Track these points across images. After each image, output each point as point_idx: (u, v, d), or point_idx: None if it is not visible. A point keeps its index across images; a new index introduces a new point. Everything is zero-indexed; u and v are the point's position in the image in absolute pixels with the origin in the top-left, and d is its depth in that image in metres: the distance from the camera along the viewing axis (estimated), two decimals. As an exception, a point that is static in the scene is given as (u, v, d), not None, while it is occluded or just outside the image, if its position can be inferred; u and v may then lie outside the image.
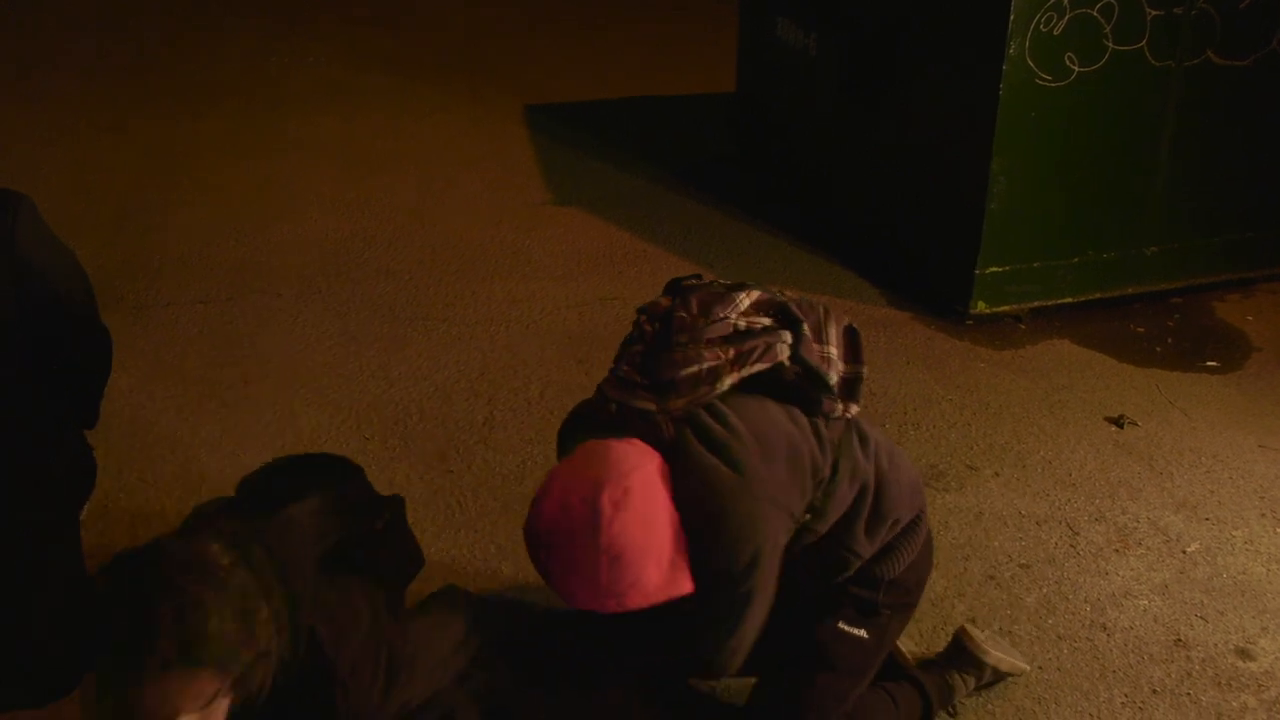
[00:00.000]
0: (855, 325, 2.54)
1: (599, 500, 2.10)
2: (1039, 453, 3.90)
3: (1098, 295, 4.80)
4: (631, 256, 5.12)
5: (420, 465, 3.67)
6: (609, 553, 2.10)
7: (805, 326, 2.40)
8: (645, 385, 2.28)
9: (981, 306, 4.65)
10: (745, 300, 2.40)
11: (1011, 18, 4.18)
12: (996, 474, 3.78)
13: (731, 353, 2.30)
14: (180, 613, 1.91)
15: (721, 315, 2.35)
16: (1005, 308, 4.69)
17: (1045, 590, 3.29)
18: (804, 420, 2.38)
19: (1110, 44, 4.37)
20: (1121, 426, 4.05)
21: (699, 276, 2.52)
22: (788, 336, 2.36)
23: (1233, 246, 4.94)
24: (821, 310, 2.49)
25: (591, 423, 2.33)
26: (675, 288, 2.48)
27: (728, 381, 2.28)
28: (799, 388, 2.37)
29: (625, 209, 5.57)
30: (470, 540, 3.35)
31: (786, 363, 2.35)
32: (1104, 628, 3.16)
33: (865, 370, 2.49)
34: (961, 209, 4.56)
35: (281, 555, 2.09)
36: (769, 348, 2.33)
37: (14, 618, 2.82)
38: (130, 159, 5.94)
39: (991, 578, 3.33)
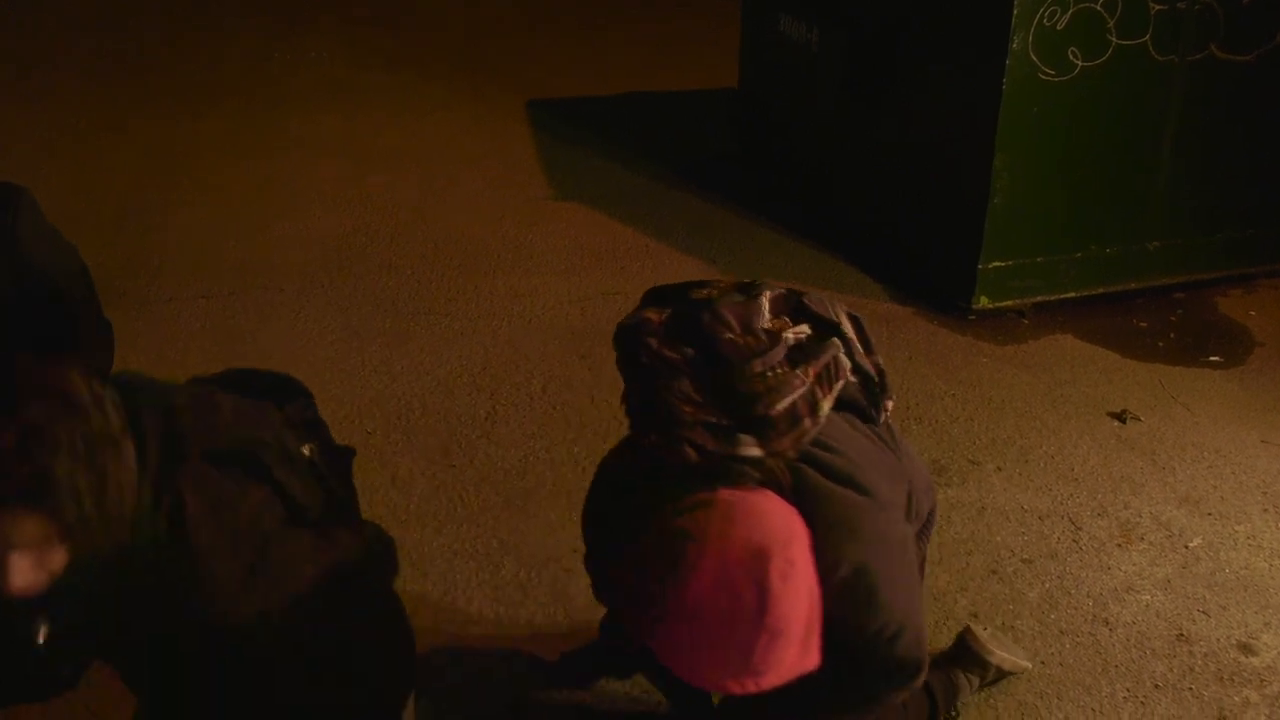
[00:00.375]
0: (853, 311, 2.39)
1: (767, 577, 1.86)
2: (1042, 447, 3.89)
3: (1100, 290, 4.80)
4: (634, 252, 5.12)
5: (422, 460, 3.67)
6: (770, 631, 1.87)
7: (842, 327, 2.24)
8: (733, 426, 2.04)
9: (984, 302, 4.65)
10: (766, 305, 2.19)
11: (1015, 12, 4.18)
12: (999, 469, 3.78)
13: (811, 373, 2.10)
14: (24, 443, 1.66)
15: (762, 327, 2.14)
16: (1008, 303, 4.69)
17: (1048, 585, 3.28)
18: (864, 428, 2.26)
19: (1114, 38, 4.36)
20: (1124, 421, 4.04)
21: (704, 284, 2.27)
22: (839, 344, 2.19)
23: (1235, 243, 4.94)
24: (828, 302, 2.30)
25: (666, 474, 2.07)
26: (669, 297, 2.23)
27: (826, 407, 2.10)
28: (853, 397, 2.23)
29: (627, 205, 5.57)
30: (472, 535, 3.35)
31: (851, 375, 2.20)
32: (1106, 622, 3.16)
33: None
34: (964, 204, 4.56)
35: (177, 421, 1.88)
36: (835, 361, 2.16)
37: (12, 616, 2.82)
38: (131, 158, 5.94)
39: (994, 572, 3.33)
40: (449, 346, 4.29)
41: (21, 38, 7.64)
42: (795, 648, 1.92)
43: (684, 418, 2.05)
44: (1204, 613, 3.20)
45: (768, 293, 2.22)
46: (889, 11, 4.79)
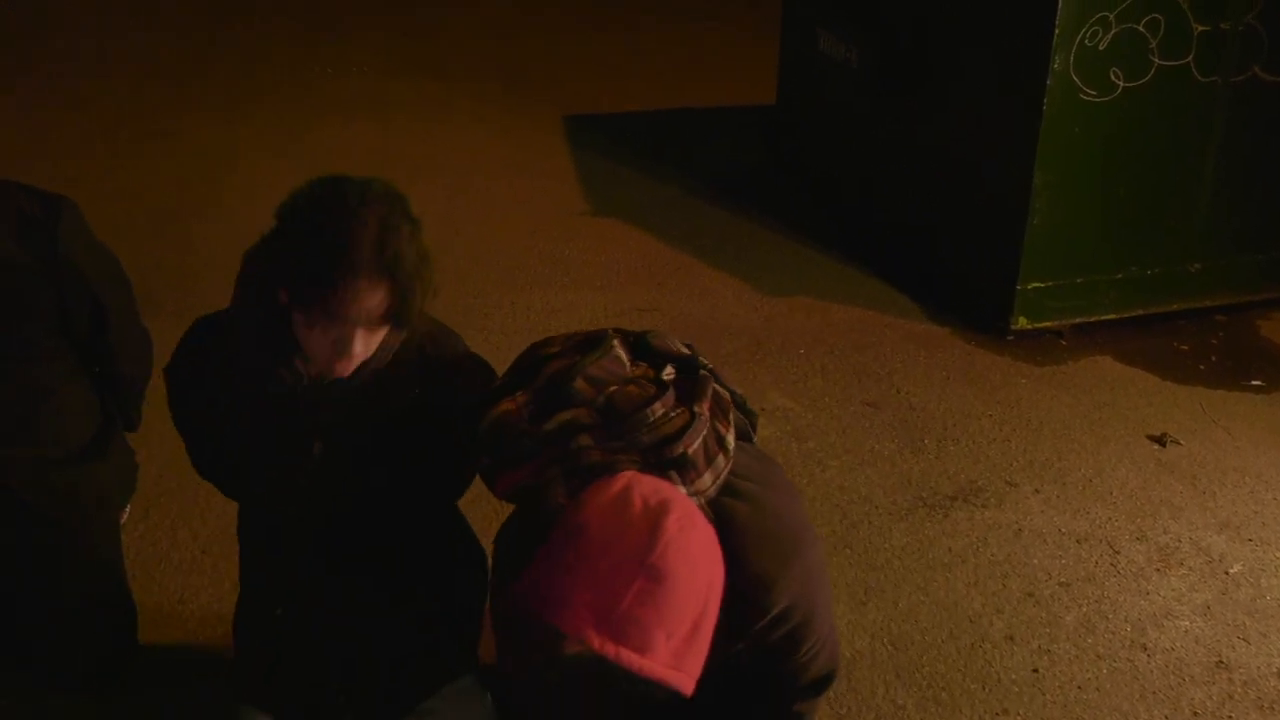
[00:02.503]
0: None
1: (665, 520, 1.81)
2: (1080, 470, 3.86)
3: (1140, 312, 4.76)
4: (670, 267, 5.11)
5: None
6: (650, 574, 1.78)
7: (700, 359, 2.16)
8: (657, 465, 1.96)
9: (1023, 322, 4.62)
10: (624, 353, 2.09)
11: (1056, 32, 4.16)
12: (1036, 490, 3.75)
13: (705, 408, 2.03)
14: (383, 227, 2.01)
15: (631, 375, 2.05)
16: (1047, 323, 4.66)
17: (1085, 609, 3.25)
18: (753, 450, 2.22)
19: (1156, 59, 4.33)
20: (1164, 445, 4.00)
21: (547, 343, 2.15)
22: (709, 375, 2.11)
23: (1277, 264, 4.89)
24: (667, 338, 2.19)
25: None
26: (518, 377, 2.09)
27: (730, 439, 2.06)
28: (740, 423, 2.18)
29: (663, 220, 5.56)
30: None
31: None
32: (1144, 648, 3.12)
33: None
34: (1003, 224, 4.54)
35: None
36: (716, 393, 2.09)
37: (52, 615, 2.86)
38: (171, 164, 5.99)
39: (1030, 595, 3.30)
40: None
41: (67, 46, 7.72)
42: (667, 630, 1.79)
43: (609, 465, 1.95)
44: (1244, 640, 3.16)
45: (617, 340, 2.11)
46: (928, 29, 4.78)
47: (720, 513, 2.02)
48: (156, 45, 7.75)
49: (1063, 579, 3.37)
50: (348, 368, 2.09)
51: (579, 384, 2.00)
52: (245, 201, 5.56)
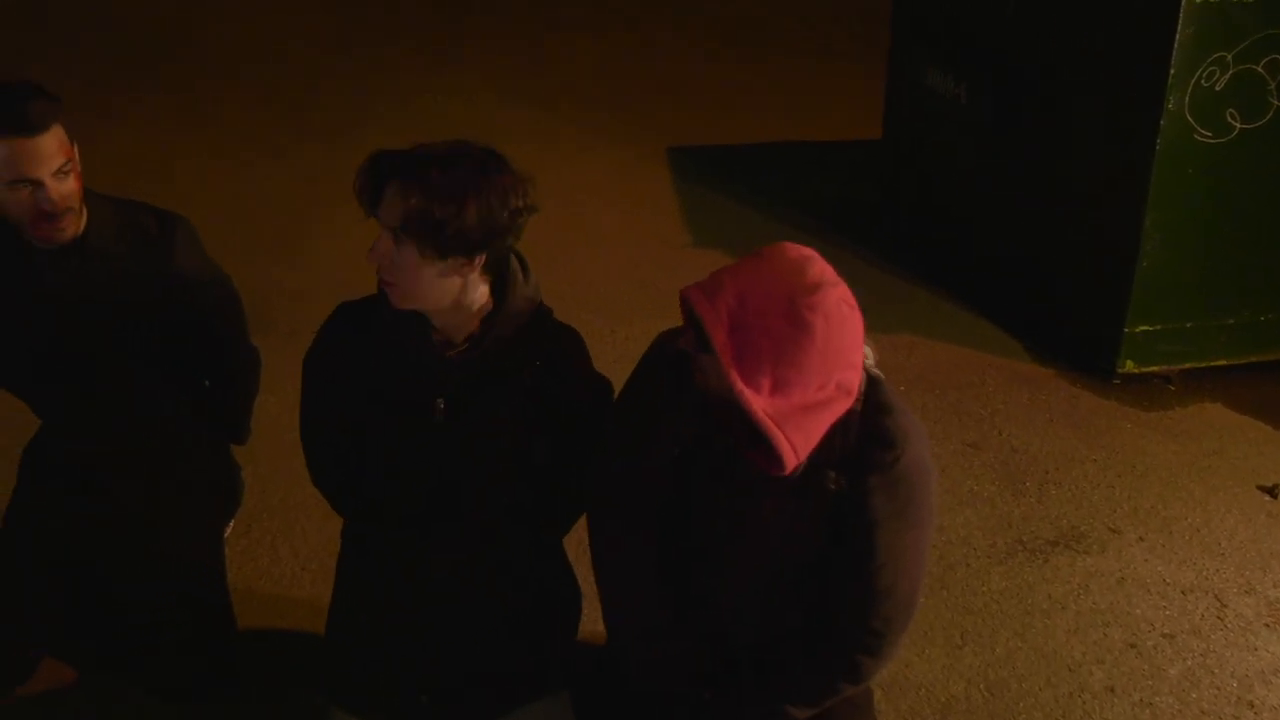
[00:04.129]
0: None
1: (833, 286, 1.96)
2: (1186, 519, 3.77)
3: (1253, 358, 4.64)
4: (770, 301, 5.09)
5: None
6: (791, 314, 1.91)
7: None
8: None
9: (1130, 366, 4.53)
10: None
11: (1171, 72, 4.09)
12: (1141, 538, 3.67)
13: None
14: (454, 153, 2.18)
15: None
16: (1155, 368, 4.56)
17: (1189, 663, 3.17)
18: None
19: (1275, 100, 4.24)
20: (1275, 496, 3.89)
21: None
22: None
23: (1398, 313, 4.74)
24: None
25: None
26: None
27: None
28: None
29: (766, 253, 5.55)
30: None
31: None
32: (1251, 705, 3.03)
33: None
34: (1112, 265, 4.46)
35: None
36: None
37: (153, 623, 2.93)
38: (286, 185, 6.13)
39: (1133, 646, 3.22)
40: (583, 387, 4.31)
41: (189, 68, 7.95)
42: (776, 378, 1.91)
43: None
44: (1357, 702, 3.06)
45: None
46: (1040, 67, 4.72)
47: (874, 384, 2.10)
48: (275, 70, 7.94)
49: (1167, 630, 3.29)
50: (373, 260, 2.21)
51: None
52: (356, 223, 5.66)
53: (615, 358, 4.53)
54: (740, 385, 1.91)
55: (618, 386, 2.39)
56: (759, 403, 1.91)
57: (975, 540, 3.65)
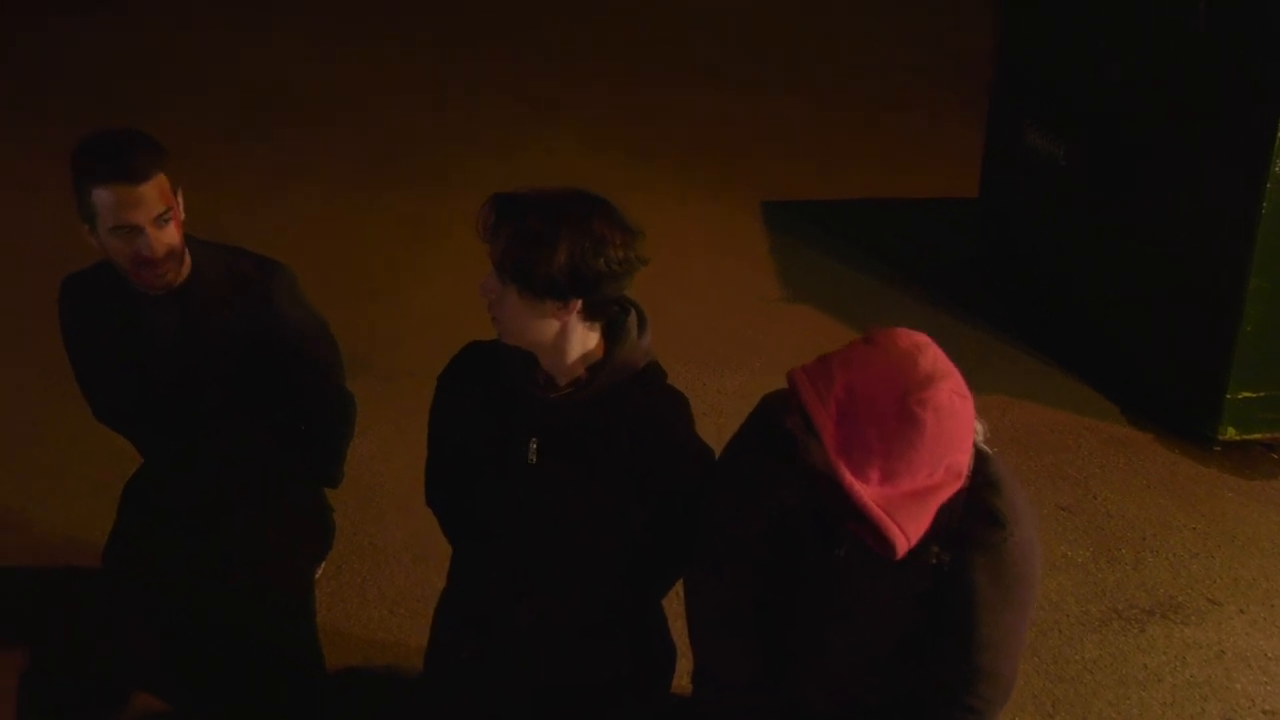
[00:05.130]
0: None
1: (945, 379, 1.95)
2: (1289, 592, 3.66)
3: (1359, 428, 4.51)
4: (862, 357, 5.06)
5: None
6: (903, 412, 1.90)
7: None
8: None
9: (1231, 433, 4.43)
10: None
11: (1278, 133, 4.01)
12: (1241, 611, 3.57)
13: None
14: (564, 199, 2.34)
15: None
16: (1257, 435, 4.45)
17: (1291, 741, 3.07)
18: None
19: (1385, 164, 4.14)
20: (1384, 572, 3.77)
21: None
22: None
23: None
24: None
25: None
26: None
27: None
28: None
29: (859, 310, 5.53)
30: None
31: None
32: (1357, 789, 2.93)
33: None
34: (1214, 329, 4.37)
35: None
36: None
37: (241, 661, 2.97)
38: (385, 233, 6.23)
39: (1231, 722, 3.13)
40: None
41: (289, 119, 8.14)
42: (887, 470, 1.90)
43: None
44: None
45: None
46: (1141, 128, 4.67)
47: (984, 459, 2.10)
48: (374, 120, 8.11)
49: (1268, 707, 3.19)
50: (482, 294, 2.30)
51: None
52: (452, 270, 5.74)
53: (704, 410, 4.52)
54: (850, 477, 1.91)
55: (704, 437, 2.39)
56: (869, 493, 1.91)
57: (1068, 606, 3.57)
